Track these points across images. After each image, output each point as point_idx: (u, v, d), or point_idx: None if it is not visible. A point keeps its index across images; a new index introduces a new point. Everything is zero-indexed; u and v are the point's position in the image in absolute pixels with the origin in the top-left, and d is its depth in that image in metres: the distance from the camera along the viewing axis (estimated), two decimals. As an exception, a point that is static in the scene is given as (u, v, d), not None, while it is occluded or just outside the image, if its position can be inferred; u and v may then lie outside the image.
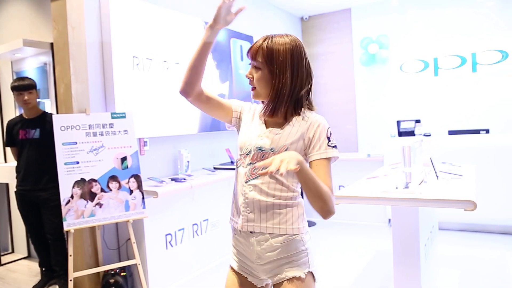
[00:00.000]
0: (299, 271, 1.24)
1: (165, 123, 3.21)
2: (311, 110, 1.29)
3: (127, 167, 2.70)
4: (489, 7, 4.51)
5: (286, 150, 1.21)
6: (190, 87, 1.27)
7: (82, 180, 2.56)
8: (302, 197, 1.30)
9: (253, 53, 1.25)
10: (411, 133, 4.22)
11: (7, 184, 3.87)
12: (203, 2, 3.85)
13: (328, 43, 5.49)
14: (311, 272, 1.27)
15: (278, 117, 1.27)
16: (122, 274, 2.77)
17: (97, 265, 2.79)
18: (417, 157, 2.27)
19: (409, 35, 4.94)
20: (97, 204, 2.58)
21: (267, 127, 1.29)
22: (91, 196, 2.57)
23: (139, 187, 2.70)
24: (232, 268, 1.38)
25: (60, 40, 2.74)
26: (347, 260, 3.42)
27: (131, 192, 2.68)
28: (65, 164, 2.54)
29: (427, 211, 2.63)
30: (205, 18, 3.78)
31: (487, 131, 4.00)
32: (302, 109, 1.27)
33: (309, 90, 1.28)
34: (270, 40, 1.23)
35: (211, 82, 3.74)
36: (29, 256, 3.85)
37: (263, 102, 1.35)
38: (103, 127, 2.68)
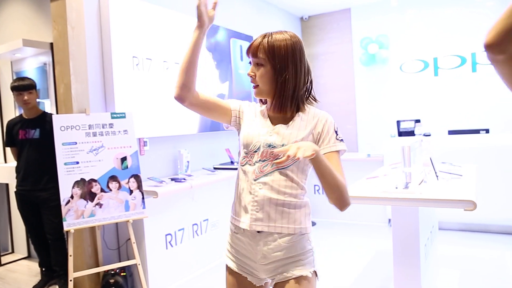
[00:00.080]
0: (306, 270, 1.25)
1: (165, 123, 3.21)
2: (314, 103, 1.31)
3: (127, 167, 2.70)
4: (489, 7, 4.51)
5: None
6: (185, 91, 1.25)
7: (82, 180, 2.56)
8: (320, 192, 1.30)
9: (254, 50, 1.24)
10: (411, 133, 4.22)
11: (7, 184, 3.86)
12: (203, 2, 3.85)
13: (328, 43, 5.49)
14: (315, 271, 1.28)
15: (284, 113, 1.27)
16: (122, 274, 2.77)
17: (97, 265, 2.79)
18: (417, 157, 2.27)
19: (409, 35, 4.94)
20: (97, 204, 2.58)
21: (273, 123, 1.28)
22: (91, 196, 2.57)
23: (139, 187, 2.70)
24: (229, 268, 1.36)
25: (60, 40, 2.74)
26: (347, 260, 3.41)
27: (131, 192, 2.68)
28: (65, 164, 2.54)
29: (427, 211, 2.63)
30: (205, 18, 3.77)
31: (487, 131, 4.00)
32: (306, 104, 1.29)
33: (311, 85, 1.30)
34: (270, 37, 1.24)
35: (211, 82, 3.74)
36: (29, 256, 3.85)
37: (261, 101, 1.36)
38: (103, 127, 2.68)
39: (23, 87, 2.87)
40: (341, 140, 1.26)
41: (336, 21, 5.43)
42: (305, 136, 1.23)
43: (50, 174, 2.84)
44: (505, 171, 3.71)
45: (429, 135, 3.84)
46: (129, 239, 2.68)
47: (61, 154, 2.54)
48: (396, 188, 2.07)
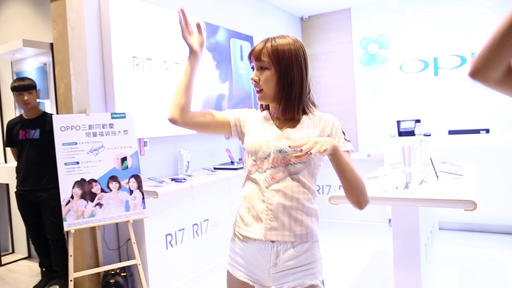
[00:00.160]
0: (316, 279, 1.24)
1: (165, 123, 3.20)
2: (315, 107, 1.31)
3: (127, 167, 2.70)
4: (489, 7, 4.51)
5: None
6: (179, 113, 1.24)
7: (82, 180, 2.56)
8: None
9: (257, 54, 1.23)
10: (411, 133, 4.22)
11: (7, 185, 3.87)
12: (203, 2, 3.86)
13: (328, 43, 5.49)
14: (323, 280, 1.28)
15: (291, 116, 1.26)
16: (122, 274, 2.77)
17: (98, 265, 2.79)
18: (417, 157, 2.27)
19: (409, 35, 4.94)
20: (97, 204, 2.58)
21: (280, 128, 1.27)
22: (91, 196, 2.57)
23: (139, 187, 2.70)
24: (232, 276, 1.32)
25: (60, 40, 2.74)
26: (347, 260, 3.41)
27: (131, 192, 2.68)
28: (65, 164, 2.54)
29: (427, 211, 2.62)
30: (205, 18, 3.78)
31: (487, 130, 4.00)
32: (310, 107, 1.28)
33: (311, 89, 1.30)
34: (273, 41, 1.24)
35: (211, 82, 3.74)
36: (29, 257, 3.85)
37: (261, 106, 1.35)
38: (103, 127, 2.68)
39: (23, 87, 2.87)
40: (349, 140, 1.27)
41: (336, 21, 5.44)
42: None
43: (50, 174, 2.84)
44: (506, 171, 3.71)
45: (429, 135, 3.83)
46: (129, 239, 2.68)
47: (61, 154, 2.54)
48: (396, 188, 2.07)
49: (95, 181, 2.59)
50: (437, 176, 2.45)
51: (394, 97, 5.09)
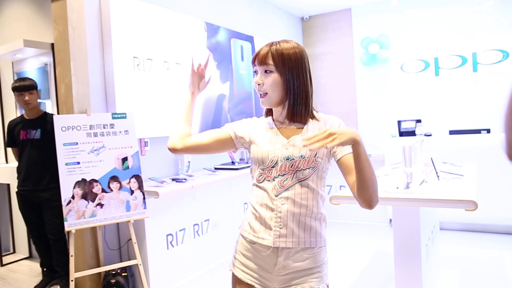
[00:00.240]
0: (322, 283, 1.25)
1: (165, 123, 3.21)
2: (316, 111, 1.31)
3: (128, 168, 2.70)
4: (490, 7, 4.50)
5: (316, 154, 1.21)
6: (179, 140, 1.33)
7: (83, 180, 2.56)
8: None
9: (262, 58, 1.22)
10: (412, 133, 4.22)
11: (8, 185, 3.87)
12: (203, 2, 3.86)
13: (329, 43, 5.49)
14: (328, 284, 1.29)
15: (297, 121, 1.26)
16: (123, 274, 2.78)
17: (98, 266, 2.79)
18: (418, 157, 2.26)
19: (410, 35, 4.94)
20: (98, 204, 2.58)
21: (285, 135, 1.26)
22: (92, 196, 2.57)
23: (140, 187, 2.70)
24: (239, 279, 1.31)
25: (61, 41, 2.75)
26: (347, 260, 3.41)
27: (132, 192, 2.68)
28: (66, 164, 2.54)
29: (428, 211, 2.62)
30: (205, 18, 3.78)
31: (488, 130, 3.99)
32: (314, 111, 1.28)
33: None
34: (277, 45, 1.23)
35: (212, 83, 3.74)
36: (30, 257, 3.85)
37: (266, 113, 1.35)
38: (104, 127, 2.68)
39: (24, 87, 2.88)
40: None
41: (336, 21, 5.43)
42: None
43: (51, 175, 2.84)
44: (506, 171, 3.71)
45: (430, 135, 3.83)
46: (130, 239, 2.68)
47: (62, 155, 2.54)
48: (397, 188, 2.07)
49: (96, 181, 2.60)
50: (438, 176, 2.45)
51: (394, 97, 5.08)
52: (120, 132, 2.72)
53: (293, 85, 1.21)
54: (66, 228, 2.48)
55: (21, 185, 2.97)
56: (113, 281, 2.73)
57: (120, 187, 2.65)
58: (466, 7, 4.62)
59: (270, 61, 1.21)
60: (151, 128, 3.09)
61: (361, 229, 4.31)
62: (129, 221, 2.64)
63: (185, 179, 3.09)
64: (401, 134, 4.35)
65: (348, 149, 1.20)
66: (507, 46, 4.45)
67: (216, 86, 3.81)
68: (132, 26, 2.96)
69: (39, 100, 3.03)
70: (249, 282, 1.28)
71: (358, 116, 5.33)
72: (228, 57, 3.96)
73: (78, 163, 2.57)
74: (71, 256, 2.48)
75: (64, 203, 2.50)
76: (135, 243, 2.64)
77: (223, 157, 3.94)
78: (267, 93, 1.24)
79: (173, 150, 1.33)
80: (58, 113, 2.95)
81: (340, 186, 4.30)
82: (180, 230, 3.13)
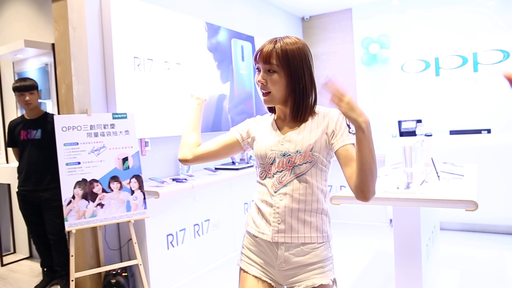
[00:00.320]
0: (327, 278, 1.23)
1: (166, 123, 3.21)
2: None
3: (128, 168, 2.70)
4: (490, 7, 4.50)
5: (312, 149, 1.20)
6: (188, 151, 1.35)
7: (84, 180, 2.57)
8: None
9: (266, 56, 1.20)
10: (412, 133, 4.22)
11: (8, 185, 3.87)
12: (204, 2, 3.86)
13: (329, 43, 5.49)
14: (335, 279, 1.27)
15: (300, 120, 1.25)
16: (123, 274, 2.78)
17: (99, 266, 2.79)
18: (419, 157, 2.26)
19: (410, 35, 4.94)
20: (98, 204, 2.58)
21: (282, 131, 1.27)
22: (93, 196, 2.58)
23: (141, 187, 2.70)
24: (247, 274, 1.31)
25: (61, 41, 2.75)
26: (348, 260, 3.41)
27: (132, 192, 2.68)
28: (67, 164, 2.54)
29: (429, 211, 2.62)
30: (206, 18, 3.78)
31: (489, 131, 3.99)
32: (315, 107, 1.28)
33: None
34: (281, 43, 1.21)
35: (212, 83, 3.75)
36: (31, 257, 3.86)
37: (270, 109, 1.35)
38: (105, 127, 2.68)
39: (24, 87, 2.88)
40: (354, 133, 1.22)
41: (337, 21, 5.43)
42: (318, 138, 1.21)
43: (52, 175, 2.85)
44: (507, 171, 3.71)
45: (431, 135, 3.83)
46: (131, 239, 2.68)
47: (63, 155, 2.54)
48: (398, 188, 2.07)
49: (96, 181, 2.60)
50: (438, 176, 2.45)
51: (395, 97, 5.08)
52: (120, 132, 2.72)
53: (297, 85, 1.21)
54: (67, 228, 2.48)
55: (22, 185, 2.97)
56: (113, 281, 2.73)
57: (121, 187, 2.66)
58: (466, 7, 4.62)
59: (274, 61, 1.20)
60: (151, 128, 3.09)
61: (361, 229, 4.31)
62: (129, 221, 2.64)
63: (185, 179, 3.09)
64: (402, 134, 4.35)
65: (346, 140, 1.19)
66: (507, 46, 4.45)
67: (217, 86, 3.81)
68: (133, 26, 2.96)
69: (39, 100, 3.03)
70: (257, 274, 1.29)
71: (358, 116, 5.32)
72: (229, 57, 3.97)
73: (79, 163, 2.57)
74: (72, 256, 2.48)
75: (64, 203, 2.50)
76: (135, 243, 2.64)
77: (224, 157, 3.93)
78: (270, 92, 1.23)
79: (184, 161, 1.35)
80: (58, 113, 2.95)
81: (341, 186, 4.30)
82: (180, 230, 3.13)
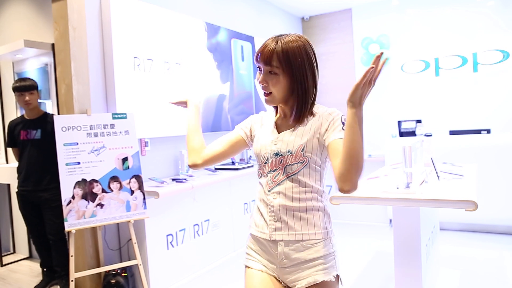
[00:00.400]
0: (329, 275, 1.23)
1: (166, 123, 3.22)
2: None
3: (128, 168, 2.70)
4: (490, 7, 4.50)
5: (303, 149, 1.20)
6: (196, 155, 1.36)
7: (83, 180, 2.57)
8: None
9: (267, 58, 1.19)
10: (412, 133, 4.22)
11: (8, 185, 3.87)
12: (204, 2, 3.86)
13: (329, 43, 5.49)
14: (338, 276, 1.26)
15: (301, 120, 1.25)
16: (123, 274, 2.78)
17: (98, 266, 2.79)
18: (418, 157, 2.26)
19: (410, 35, 4.94)
20: (98, 204, 2.58)
21: (279, 131, 1.28)
22: (92, 196, 2.57)
23: (140, 187, 2.70)
24: (252, 270, 1.31)
25: (61, 41, 2.75)
26: (347, 260, 3.41)
27: (132, 192, 2.68)
28: (66, 164, 2.54)
29: (428, 211, 2.62)
30: (206, 18, 3.78)
31: (489, 131, 3.99)
32: (314, 107, 1.27)
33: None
34: (282, 42, 1.19)
35: (212, 83, 3.75)
36: (30, 257, 3.85)
37: (275, 107, 1.34)
38: (104, 127, 2.68)
39: (24, 87, 2.88)
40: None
41: (337, 21, 5.44)
42: (309, 138, 1.21)
43: (52, 175, 2.84)
44: (507, 171, 3.71)
45: (430, 135, 3.84)
46: (130, 239, 2.68)
47: (63, 155, 2.54)
48: (397, 188, 2.07)
49: (96, 181, 2.60)
50: (438, 177, 2.45)
51: (395, 98, 5.08)
52: (120, 132, 2.72)
53: (299, 86, 1.20)
54: (66, 228, 2.48)
55: (21, 185, 2.97)
56: (113, 281, 2.73)
57: (120, 187, 2.66)
58: (466, 7, 4.62)
59: (276, 63, 1.18)
60: (151, 128, 3.09)
61: (361, 229, 4.31)
62: (129, 221, 2.64)
63: (185, 179, 3.09)
64: (402, 134, 4.35)
65: (338, 135, 1.17)
66: (507, 46, 4.45)
67: (216, 87, 3.81)
68: (133, 26, 2.96)
69: (39, 100, 3.03)
70: (262, 268, 1.29)
71: (358, 116, 5.32)
72: (229, 57, 3.97)
73: (79, 163, 2.57)
74: (71, 256, 2.48)
75: (64, 203, 2.50)
76: (135, 243, 2.64)
77: (223, 157, 3.93)
78: (271, 93, 1.23)
79: (194, 166, 1.37)
80: (58, 113, 2.95)
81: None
82: (180, 230, 3.13)
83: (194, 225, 3.27)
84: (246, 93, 4.20)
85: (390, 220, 4.35)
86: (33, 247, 3.71)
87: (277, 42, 1.20)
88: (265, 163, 1.26)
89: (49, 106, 3.68)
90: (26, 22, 3.64)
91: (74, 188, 2.53)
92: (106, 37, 2.86)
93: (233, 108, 4.00)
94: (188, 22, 3.47)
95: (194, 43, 3.51)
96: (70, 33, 2.70)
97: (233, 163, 3.81)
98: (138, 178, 2.71)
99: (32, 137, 2.92)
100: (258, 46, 4.33)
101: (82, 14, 2.76)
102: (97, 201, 2.58)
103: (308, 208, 1.22)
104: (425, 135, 3.64)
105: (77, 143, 2.59)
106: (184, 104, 1.50)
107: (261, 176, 1.30)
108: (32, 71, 3.76)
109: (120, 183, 2.66)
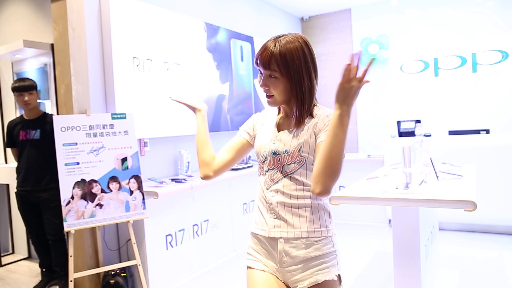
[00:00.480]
0: (330, 274, 1.23)
1: (165, 123, 3.22)
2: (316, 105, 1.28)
3: (127, 168, 2.70)
4: (489, 7, 4.51)
5: (300, 149, 1.21)
6: (207, 167, 1.36)
7: (83, 180, 2.56)
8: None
9: (265, 62, 1.20)
10: (411, 134, 4.22)
11: (7, 185, 3.87)
12: (203, 3, 3.86)
13: (329, 44, 5.50)
14: (339, 275, 1.26)
15: (302, 121, 1.25)
16: (122, 274, 2.77)
17: (98, 266, 2.79)
18: (417, 157, 2.27)
19: (409, 35, 4.95)
20: (97, 204, 2.58)
21: (279, 129, 1.29)
22: (92, 196, 2.57)
23: (140, 187, 2.70)
24: (254, 269, 1.31)
25: (61, 41, 2.75)
26: (347, 261, 3.41)
27: (131, 192, 2.68)
28: (66, 165, 2.54)
29: (427, 212, 2.62)
30: (205, 19, 3.78)
31: (487, 131, 4.00)
32: (314, 108, 1.27)
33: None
34: (280, 44, 1.19)
35: (212, 83, 3.75)
36: (29, 257, 3.85)
37: (279, 107, 1.35)
38: (104, 127, 2.68)
39: (23, 87, 2.88)
40: None
41: (336, 21, 5.44)
42: (306, 139, 1.22)
43: (51, 175, 2.84)
44: (506, 172, 3.71)
45: (430, 136, 3.84)
46: (130, 239, 2.68)
47: (62, 155, 2.54)
48: (396, 188, 2.07)
49: (95, 181, 2.60)
50: (437, 177, 2.45)
51: (394, 98, 5.09)
52: (119, 132, 2.72)
53: (298, 88, 1.20)
54: (66, 229, 2.48)
55: (21, 186, 2.97)
56: (112, 281, 2.73)
57: (120, 188, 2.65)
58: (465, 8, 4.63)
59: (275, 67, 1.19)
60: (150, 128, 3.09)
61: (361, 229, 4.32)
62: (128, 221, 2.64)
63: (184, 180, 3.09)
64: (401, 134, 4.36)
65: (324, 136, 1.16)
66: (506, 47, 4.45)
67: (216, 87, 3.81)
68: (132, 26, 2.96)
69: (38, 101, 3.03)
70: (264, 268, 1.29)
71: (357, 116, 5.33)
72: (228, 57, 3.97)
73: (78, 163, 2.57)
74: (70, 256, 2.48)
75: (63, 203, 2.50)
76: (134, 243, 2.64)
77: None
78: (273, 95, 1.24)
79: (207, 178, 1.38)
80: (57, 114, 2.95)
81: (340, 187, 4.30)
82: (179, 231, 3.13)
83: (194, 225, 3.27)
84: (246, 93, 4.20)
85: (390, 220, 4.35)
86: (32, 247, 3.71)
87: (275, 44, 1.20)
88: (264, 161, 1.28)
89: (48, 106, 3.68)
90: (25, 22, 3.64)
91: (73, 188, 2.53)
92: (106, 37, 2.86)
93: (232, 108, 4.00)
94: (188, 22, 3.46)
95: (193, 43, 3.51)
96: (69, 33, 2.70)
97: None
98: (137, 178, 2.71)
99: (31, 137, 2.92)
100: (257, 46, 4.34)
101: (82, 14, 2.76)
102: (96, 201, 2.58)
103: (307, 206, 1.23)
104: (424, 135, 3.64)
105: (76, 143, 2.59)
106: (187, 105, 1.48)
107: (260, 174, 1.32)
108: (31, 71, 3.75)
109: (119, 183, 2.66)
